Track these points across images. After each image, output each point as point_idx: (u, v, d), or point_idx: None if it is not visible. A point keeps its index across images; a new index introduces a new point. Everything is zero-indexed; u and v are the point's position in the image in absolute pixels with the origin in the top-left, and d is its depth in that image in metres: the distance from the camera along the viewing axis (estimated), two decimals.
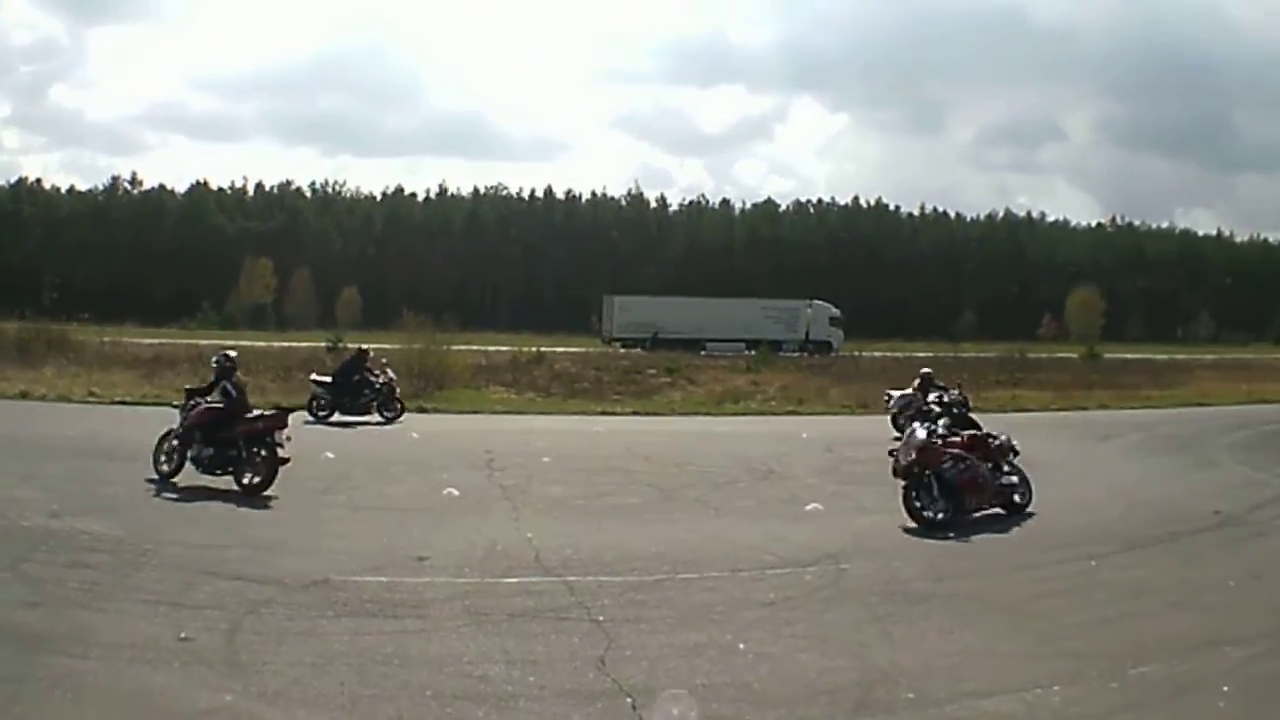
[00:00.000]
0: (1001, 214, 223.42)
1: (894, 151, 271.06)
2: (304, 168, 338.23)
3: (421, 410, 42.31)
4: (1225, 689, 11.38)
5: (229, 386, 23.20)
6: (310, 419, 36.67)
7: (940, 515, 20.42)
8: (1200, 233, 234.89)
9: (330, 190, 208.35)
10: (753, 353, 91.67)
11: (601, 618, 13.31)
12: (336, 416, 37.67)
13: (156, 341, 75.04)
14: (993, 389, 56.49)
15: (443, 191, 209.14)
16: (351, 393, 38.61)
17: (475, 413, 43.42)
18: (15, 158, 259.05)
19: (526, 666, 11.39)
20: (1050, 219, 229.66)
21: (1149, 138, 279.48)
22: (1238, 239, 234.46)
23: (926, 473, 20.78)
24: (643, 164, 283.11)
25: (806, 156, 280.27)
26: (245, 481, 22.14)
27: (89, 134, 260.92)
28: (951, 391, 32.25)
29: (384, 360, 41.69)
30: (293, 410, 25.42)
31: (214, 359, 24.23)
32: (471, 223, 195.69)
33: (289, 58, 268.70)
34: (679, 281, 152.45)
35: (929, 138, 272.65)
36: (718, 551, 17.54)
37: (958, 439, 22.23)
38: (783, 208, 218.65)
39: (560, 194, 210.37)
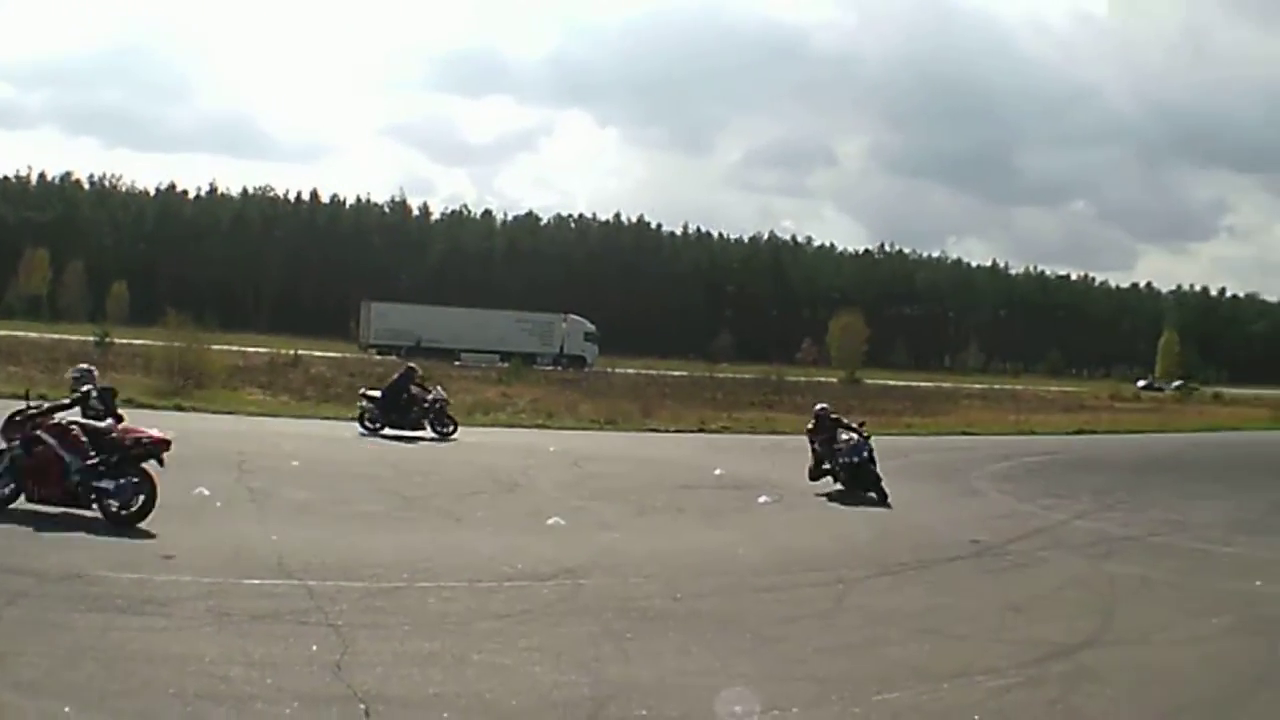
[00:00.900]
0: (766, 236, 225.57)
1: (661, 169, 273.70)
2: (85, 159, 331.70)
3: (179, 409, 41.78)
4: (976, 718, 11.46)
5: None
6: (362, 431, 37.46)
7: None
8: (974, 263, 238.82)
9: (108, 184, 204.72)
10: (506, 364, 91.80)
11: (340, 623, 13.30)
12: (387, 431, 37.55)
13: None
14: (747, 410, 57.04)
15: (212, 190, 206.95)
16: (400, 409, 38.34)
17: (230, 413, 42.90)
18: None
19: (266, 668, 11.35)
20: (816, 243, 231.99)
21: (924, 166, 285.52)
22: (1012, 270, 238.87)
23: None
24: (408, 171, 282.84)
25: (572, 170, 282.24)
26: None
27: None
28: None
29: (415, 372, 40.81)
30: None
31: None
32: (238, 223, 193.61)
33: (75, 48, 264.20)
34: (438, 290, 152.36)
35: (697, 157, 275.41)
36: (457, 561, 17.57)
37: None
38: (544, 221, 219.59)
39: (325, 198, 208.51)
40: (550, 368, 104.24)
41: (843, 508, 26.99)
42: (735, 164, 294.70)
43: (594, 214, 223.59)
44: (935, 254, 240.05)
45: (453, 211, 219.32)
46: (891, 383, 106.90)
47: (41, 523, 18.01)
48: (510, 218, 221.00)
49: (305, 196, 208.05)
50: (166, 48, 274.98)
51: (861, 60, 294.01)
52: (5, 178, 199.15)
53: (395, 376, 39.80)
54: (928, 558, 20.66)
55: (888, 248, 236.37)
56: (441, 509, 23.39)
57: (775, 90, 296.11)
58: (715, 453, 37.43)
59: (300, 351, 76.90)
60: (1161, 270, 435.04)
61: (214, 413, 42.50)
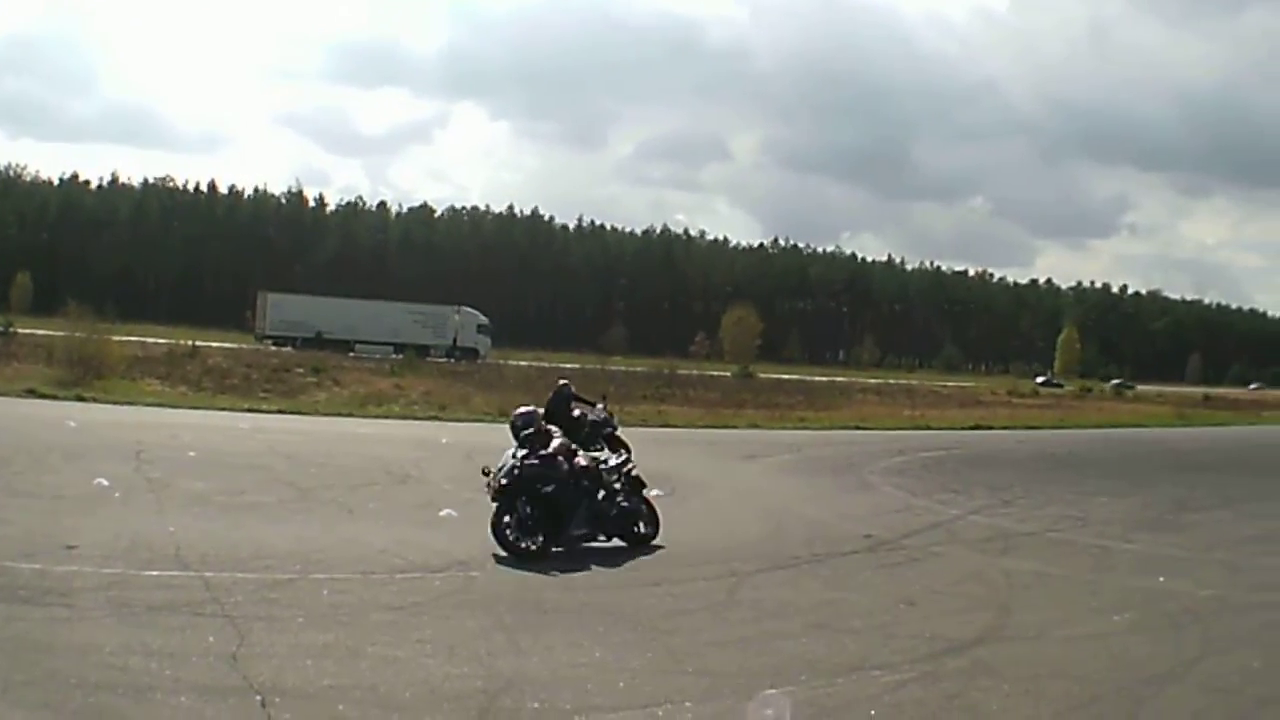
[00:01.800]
0: (659, 230, 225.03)
1: (553, 162, 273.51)
2: None
3: (80, 399, 41.48)
4: (872, 713, 11.26)
5: None
6: None
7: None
8: (869, 258, 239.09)
9: (12, 173, 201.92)
10: (400, 356, 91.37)
11: (235, 614, 13.26)
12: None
13: None
14: (639, 404, 56.83)
15: (114, 180, 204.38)
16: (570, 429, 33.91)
17: (130, 404, 42.48)
18: None
19: (164, 659, 11.31)
20: (710, 237, 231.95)
21: (819, 161, 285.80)
22: (908, 266, 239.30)
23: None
24: (303, 162, 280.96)
25: (465, 163, 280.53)
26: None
27: None
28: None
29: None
30: None
31: None
32: (138, 213, 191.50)
33: None
34: (333, 281, 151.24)
35: (590, 151, 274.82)
36: (350, 553, 17.46)
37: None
38: (438, 213, 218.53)
39: (224, 188, 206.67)
40: (443, 360, 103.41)
41: (736, 502, 26.87)
42: (628, 157, 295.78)
43: (488, 206, 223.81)
44: (830, 249, 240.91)
45: (348, 203, 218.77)
46: (785, 377, 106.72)
47: None
48: (405, 209, 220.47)
49: (204, 187, 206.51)
50: (69, 37, 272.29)
51: (756, 54, 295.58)
52: None
53: (551, 395, 31.43)
54: (821, 552, 20.32)
55: (782, 242, 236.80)
56: (334, 500, 23.12)
57: (668, 84, 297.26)
58: None
59: (198, 343, 76.26)
60: (1061, 267, 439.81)
61: (113, 403, 42.11)
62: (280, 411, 45.20)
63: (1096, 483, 35.05)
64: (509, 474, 19.11)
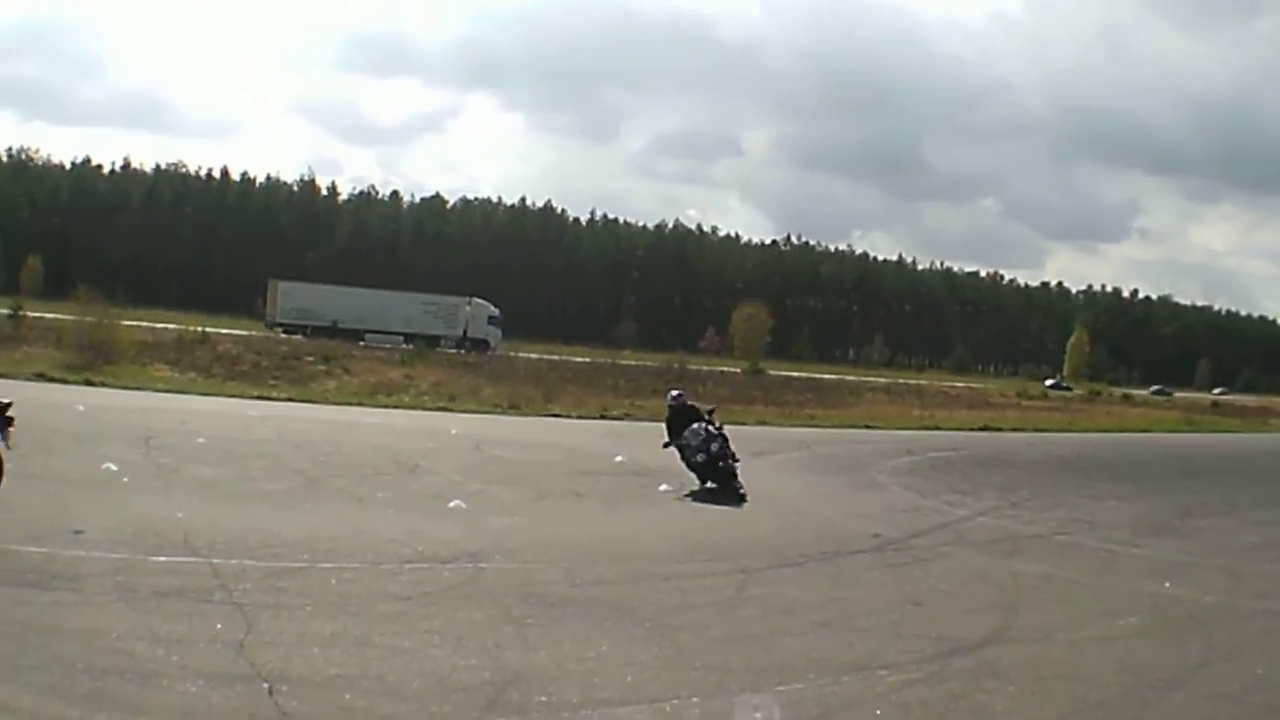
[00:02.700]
0: (671, 225, 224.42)
1: (565, 155, 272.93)
2: (1, 132, 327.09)
3: (89, 384, 41.54)
4: (878, 713, 11.27)
5: None
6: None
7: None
8: (880, 257, 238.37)
9: (24, 157, 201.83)
10: (410, 346, 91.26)
11: (243, 601, 13.27)
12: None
13: None
14: (649, 398, 56.60)
15: (126, 165, 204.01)
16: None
17: (139, 389, 42.45)
18: None
19: (171, 645, 11.33)
20: (722, 233, 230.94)
21: (830, 160, 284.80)
22: (919, 265, 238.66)
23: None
24: (315, 150, 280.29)
25: (477, 154, 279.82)
26: None
27: None
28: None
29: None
30: None
31: None
32: (150, 199, 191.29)
33: None
34: (344, 270, 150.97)
35: (602, 144, 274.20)
36: (359, 543, 17.47)
37: None
38: (450, 203, 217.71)
39: (236, 175, 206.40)
40: (454, 351, 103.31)
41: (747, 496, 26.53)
42: (640, 152, 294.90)
43: (500, 198, 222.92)
44: (841, 247, 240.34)
45: (361, 192, 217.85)
46: (795, 374, 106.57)
47: None
48: (417, 199, 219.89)
49: (216, 174, 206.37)
50: (81, 21, 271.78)
51: (768, 50, 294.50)
52: None
53: (669, 413, 29.08)
54: (829, 550, 20.30)
55: (793, 239, 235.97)
56: (343, 489, 23.11)
57: (681, 79, 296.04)
58: (617, 440, 37.30)
59: (208, 329, 76.33)
60: (1071, 269, 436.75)
61: (123, 388, 42.07)
62: (290, 399, 45.18)
63: (1104, 486, 34.94)
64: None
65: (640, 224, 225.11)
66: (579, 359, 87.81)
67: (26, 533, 15.64)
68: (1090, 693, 12.44)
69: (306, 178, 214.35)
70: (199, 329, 74.06)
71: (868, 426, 56.34)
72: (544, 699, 10.93)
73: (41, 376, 41.98)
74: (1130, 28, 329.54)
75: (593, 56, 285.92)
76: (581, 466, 30.25)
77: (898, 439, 48.80)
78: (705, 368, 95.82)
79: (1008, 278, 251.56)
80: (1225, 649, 14.76)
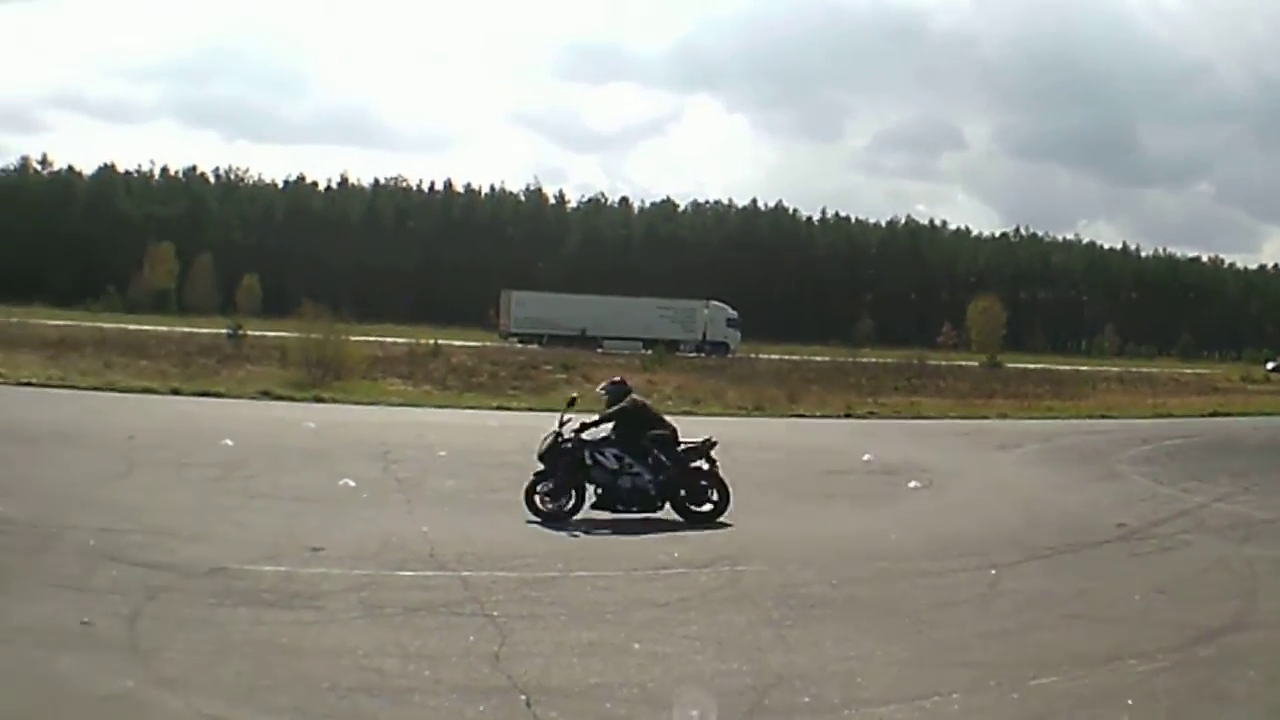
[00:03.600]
0: (903, 220, 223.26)
1: (791, 154, 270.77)
2: (207, 152, 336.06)
3: (319, 400, 42.19)
4: (1129, 703, 11.27)
5: None
6: None
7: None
8: (1105, 245, 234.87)
9: (233, 177, 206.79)
10: (649, 351, 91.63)
11: (496, 613, 13.28)
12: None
13: (62, 324, 73.93)
14: (892, 395, 56.51)
15: (343, 181, 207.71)
16: None
17: (372, 404, 43.03)
18: None
19: (422, 660, 11.34)
20: (951, 227, 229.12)
21: (1051, 149, 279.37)
22: (1143, 253, 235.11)
23: None
24: (537, 159, 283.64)
25: (700, 157, 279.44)
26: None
27: None
28: None
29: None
30: None
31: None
32: (370, 214, 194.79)
33: (187, 42, 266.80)
34: (576, 278, 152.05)
35: (825, 142, 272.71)
36: (612, 550, 17.65)
37: None
38: (681, 207, 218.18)
39: (460, 188, 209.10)
40: (693, 355, 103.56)
41: (990, 492, 26.88)
42: (864, 148, 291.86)
43: (730, 200, 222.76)
44: (1069, 237, 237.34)
45: (590, 199, 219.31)
46: (1031, 366, 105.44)
47: (183, 516, 18.14)
48: (647, 205, 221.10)
49: (439, 186, 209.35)
50: (281, 39, 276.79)
51: (980, 42, 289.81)
52: (127, 172, 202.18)
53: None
54: (1075, 542, 20.59)
55: (1022, 231, 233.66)
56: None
57: (897, 74, 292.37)
58: (862, 438, 37.07)
59: (440, 341, 77.20)
60: None
61: (354, 404, 42.71)
62: (530, 409, 45.35)
63: None
64: None
65: (871, 221, 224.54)
66: (819, 358, 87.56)
67: (261, 552, 15.85)
68: None
69: (533, 186, 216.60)
70: (431, 341, 74.86)
71: (1103, 416, 55.79)
72: (807, 700, 11.01)
73: (266, 394, 42.77)
74: None
75: (809, 55, 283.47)
76: (829, 466, 30.33)
77: (1133, 428, 48.37)
78: (944, 362, 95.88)
79: (1226, 262, 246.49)
80: None
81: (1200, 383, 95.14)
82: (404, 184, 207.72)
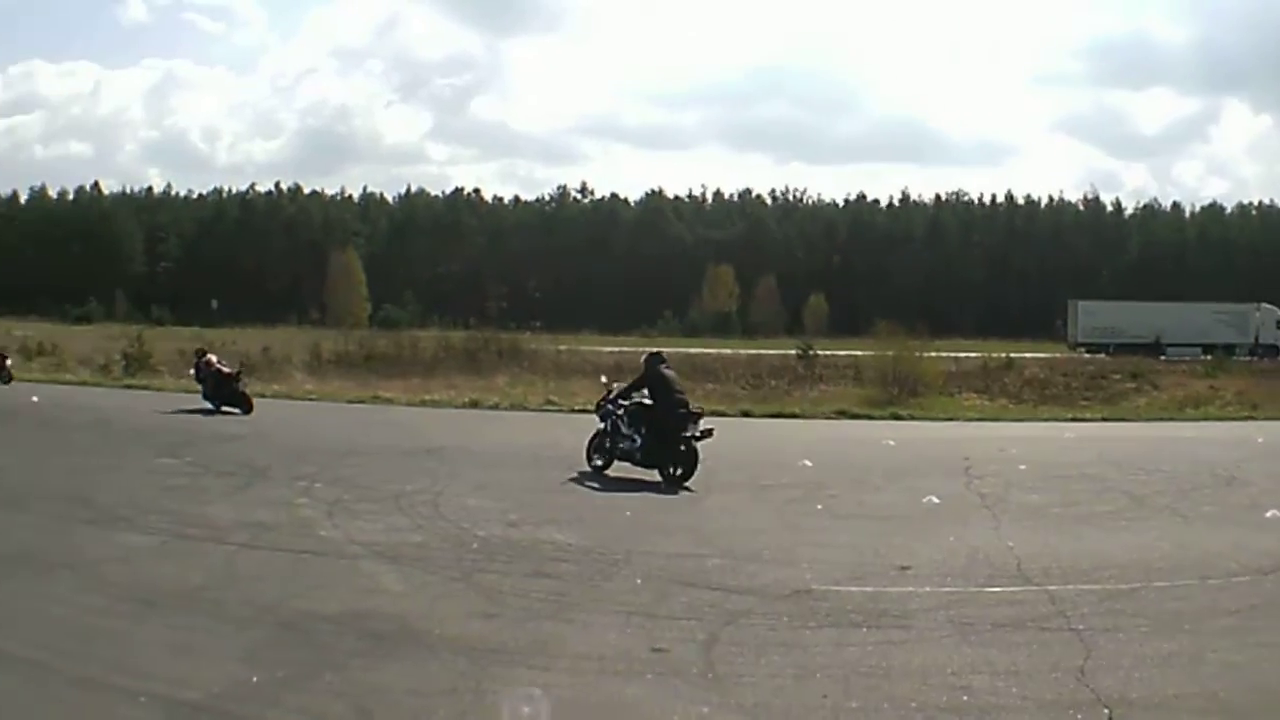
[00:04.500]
0: None
1: None
2: (758, 175, 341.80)
3: (896, 418, 42.42)
4: None
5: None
6: None
7: None
8: None
9: (790, 198, 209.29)
10: (1209, 357, 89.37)
11: (1080, 627, 13.07)
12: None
13: (616, 350, 75.59)
14: None
15: (904, 198, 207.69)
16: None
17: (949, 419, 42.99)
18: (444, 169, 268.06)
19: (1009, 677, 11.23)
20: None
21: None
22: None
23: None
24: (1087, 167, 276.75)
25: (1237, 158, 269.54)
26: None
27: (520, 144, 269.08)
28: None
29: None
30: None
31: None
32: (933, 229, 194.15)
33: (729, 67, 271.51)
34: (1135, 285, 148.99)
35: None
36: (1187, 559, 17.08)
37: None
38: (1228, 210, 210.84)
39: (1020, 199, 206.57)
40: (1246, 359, 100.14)
41: None
42: None
43: (1272, 200, 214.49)
44: None
45: (1144, 205, 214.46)
46: None
47: (763, 539, 18.38)
48: (1197, 209, 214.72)
49: (1000, 199, 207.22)
50: (825, 59, 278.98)
51: None
52: (676, 197, 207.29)
53: None
54: None
55: None
56: (1167, 506, 22.57)
57: None
58: None
59: (1010, 354, 76.40)
60: None
61: (931, 419, 42.73)
62: (1103, 419, 44.75)
63: None
64: None
65: None
66: None
67: (848, 572, 15.91)
68: None
69: (1090, 194, 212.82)
70: (1003, 355, 74.12)
71: None
72: None
73: (843, 414, 43.05)
74: None
75: None
76: None
77: None
78: None
79: None
80: None
81: None
82: (965, 197, 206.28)
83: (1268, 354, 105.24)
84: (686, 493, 23.10)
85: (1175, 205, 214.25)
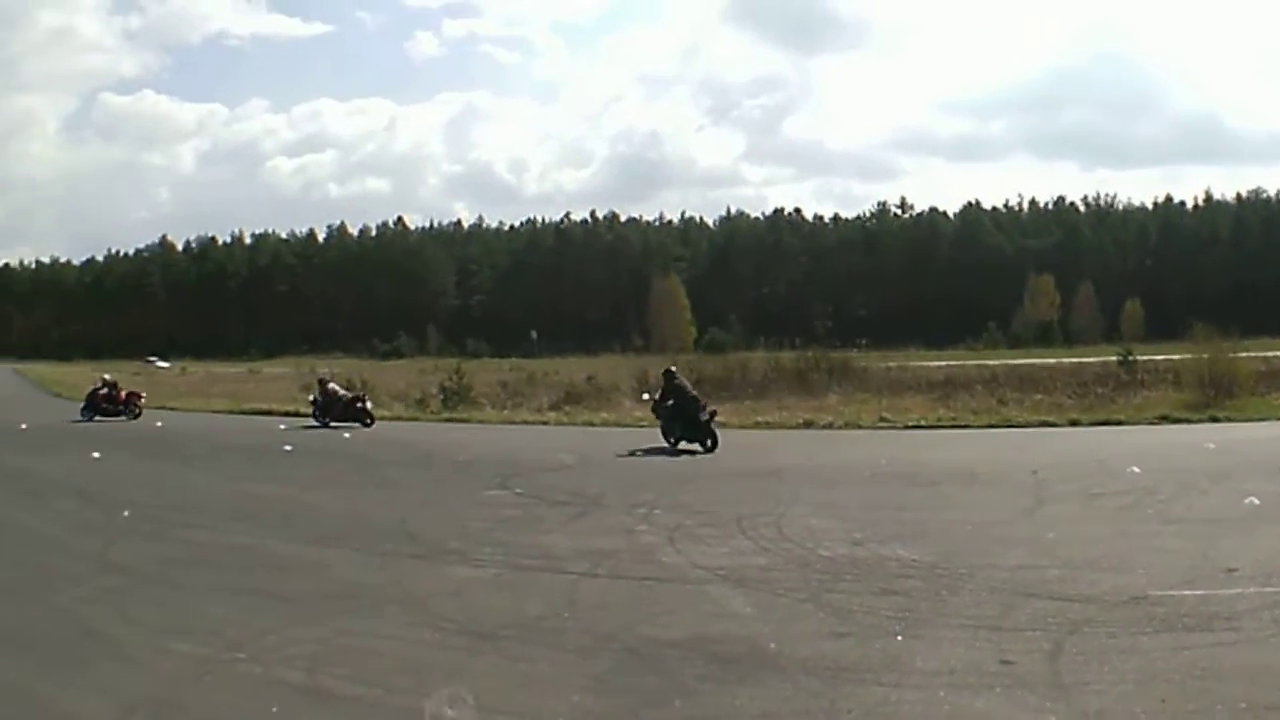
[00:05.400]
0: None
1: None
2: (1067, 182, 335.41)
3: (1214, 420, 41.62)
4: None
5: None
6: None
7: None
8: None
9: (1103, 203, 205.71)
10: None
11: None
12: None
13: (944, 364, 74.81)
14: None
15: (1208, 199, 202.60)
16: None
17: (1262, 420, 41.81)
18: (760, 190, 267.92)
19: None
20: None
21: None
22: None
23: None
24: None
25: None
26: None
27: (835, 162, 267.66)
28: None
29: None
30: None
31: None
32: (1238, 229, 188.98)
33: (1027, 74, 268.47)
34: None
35: None
36: None
37: None
38: None
39: None
40: None
41: None
42: None
43: None
44: None
45: None
46: None
47: (1099, 547, 18.22)
48: None
49: None
50: (1127, 60, 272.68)
51: None
52: (994, 208, 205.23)
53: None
54: None
55: None
56: None
57: None
58: None
59: None
60: None
61: (1246, 420, 41.65)
62: None
63: None
64: None
65: None
66: None
67: (1179, 576, 15.77)
68: None
69: None
70: None
71: None
72: None
73: (1164, 419, 42.26)
74: None
75: None
76: None
77: None
78: None
79: None
80: None
81: None
82: (1265, 196, 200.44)
83: None
84: (1021, 506, 22.72)
85: None
